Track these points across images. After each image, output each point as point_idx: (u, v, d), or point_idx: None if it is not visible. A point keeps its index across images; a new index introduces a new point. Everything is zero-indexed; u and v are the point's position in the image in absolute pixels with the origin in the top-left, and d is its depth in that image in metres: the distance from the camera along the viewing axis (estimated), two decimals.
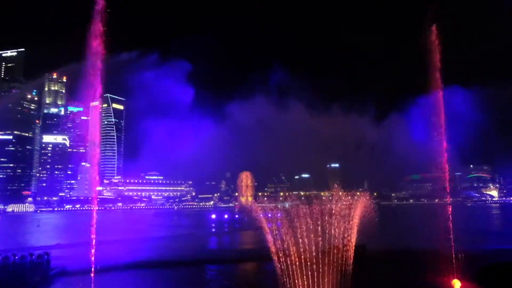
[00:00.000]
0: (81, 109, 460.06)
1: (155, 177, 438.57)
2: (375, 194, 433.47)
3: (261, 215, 30.32)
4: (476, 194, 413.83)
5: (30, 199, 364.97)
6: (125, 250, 56.46)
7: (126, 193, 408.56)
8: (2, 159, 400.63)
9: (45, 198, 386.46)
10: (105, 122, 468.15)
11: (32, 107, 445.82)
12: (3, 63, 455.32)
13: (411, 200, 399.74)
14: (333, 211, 28.61)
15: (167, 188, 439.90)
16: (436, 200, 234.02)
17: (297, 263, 27.10)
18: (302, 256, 27.06)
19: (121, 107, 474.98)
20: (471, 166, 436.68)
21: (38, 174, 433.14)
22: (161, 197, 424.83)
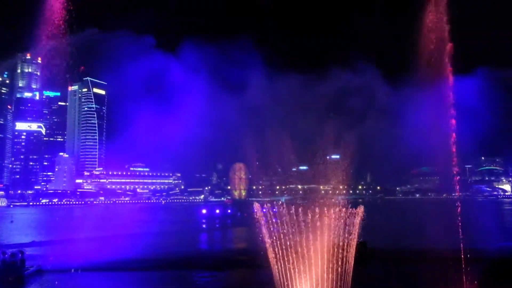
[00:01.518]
0: (58, 93, 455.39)
1: (141, 169, 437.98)
2: (378, 188, 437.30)
3: (255, 210, 30.50)
4: (487, 189, 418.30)
5: (2, 192, 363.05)
6: (107, 248, 56.53)
7: (108, 186, 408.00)
8: None
9: (19, 191, 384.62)
10: (85, 108, 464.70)
11: (3, 91, 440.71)
12: None
13: (417, 195, 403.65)
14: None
15: (154, 180, 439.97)
16: (444, 195, 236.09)
17: (294, 262, 27.33)
18: (299, 254, 27.27)
19: (102, 92, 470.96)
20: (482, 158, 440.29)
21: (10, 165, 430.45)
22: (147, 191, 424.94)
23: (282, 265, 27.42)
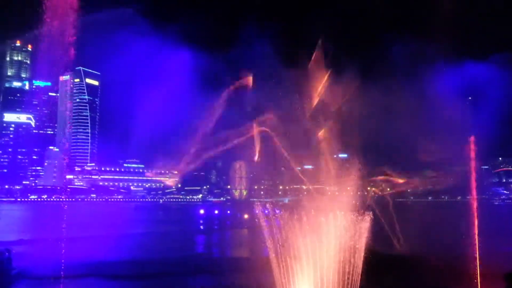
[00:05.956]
0: (49, 83, 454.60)
1: (135, 165, 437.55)
2: (388, 190, 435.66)
3: (257, 212, 30.59)
4: (505, 191, 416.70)
5: None
6: (99, 249, 56.75)
7: (101, 183, 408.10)
8: None
9: (6, 186, 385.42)
10: (77, 100, 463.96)
11: None
12: None
13: (430, 197, 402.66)
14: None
15: (149, 178, 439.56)
16: (459, 198, 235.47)
17: (298, 267, 27.47)
18: (304, 260, 27.41)
19: (96, 82, 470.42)
20: (500, 158, 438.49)
21: None
22: (142, 189, 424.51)
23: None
